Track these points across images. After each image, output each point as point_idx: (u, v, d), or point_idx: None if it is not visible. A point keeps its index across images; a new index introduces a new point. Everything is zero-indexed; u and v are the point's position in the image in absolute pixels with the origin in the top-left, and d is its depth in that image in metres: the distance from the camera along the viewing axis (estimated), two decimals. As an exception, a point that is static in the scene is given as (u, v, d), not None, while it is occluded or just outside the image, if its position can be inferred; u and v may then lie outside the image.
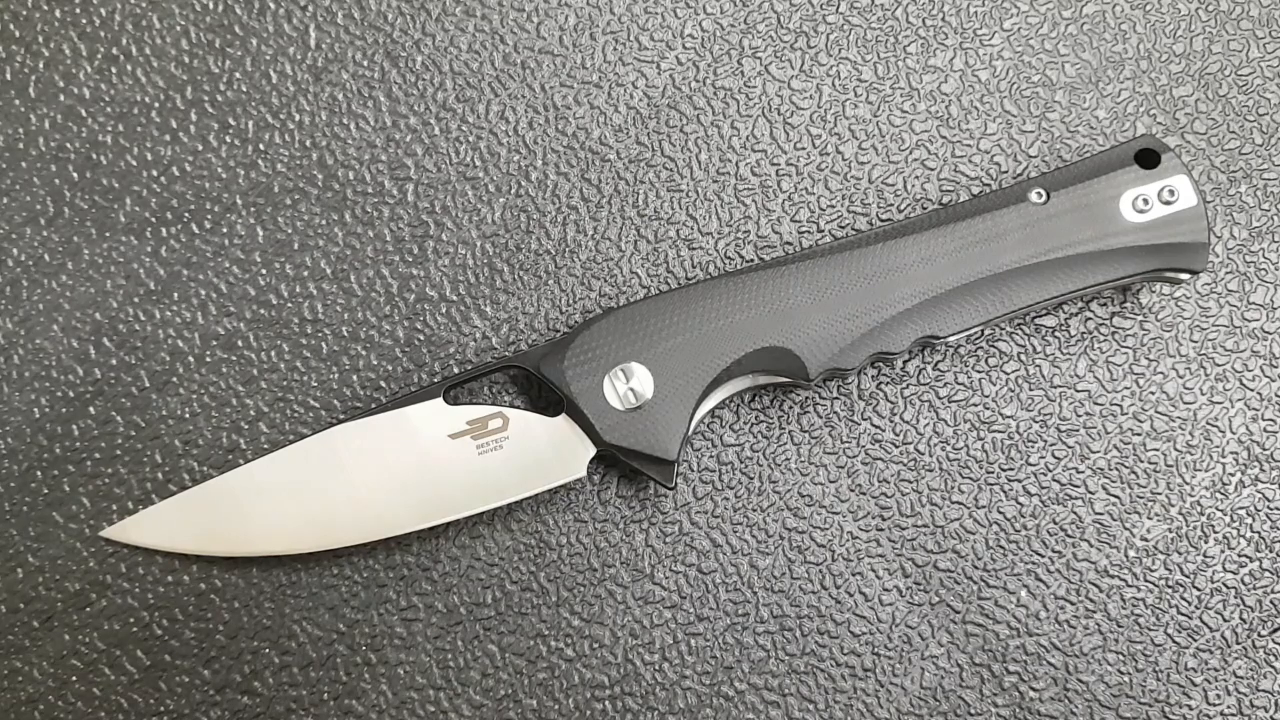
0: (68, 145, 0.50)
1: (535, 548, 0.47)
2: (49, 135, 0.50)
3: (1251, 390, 0.49)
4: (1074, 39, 0.51)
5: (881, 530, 0.48)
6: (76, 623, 0.47)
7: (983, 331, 0.49)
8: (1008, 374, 0.49)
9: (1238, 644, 0.47)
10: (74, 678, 0.46)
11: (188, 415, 0.48)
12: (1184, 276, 0.47)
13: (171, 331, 0.49)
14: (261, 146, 0.50)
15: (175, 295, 0.49)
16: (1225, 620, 0.47)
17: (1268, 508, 0.48)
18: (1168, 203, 0.46)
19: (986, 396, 0.49)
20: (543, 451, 0.45)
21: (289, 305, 0.49)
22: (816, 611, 0.47)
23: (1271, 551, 0.48)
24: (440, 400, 0.46)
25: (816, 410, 0.48)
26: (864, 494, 0.48)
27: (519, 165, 0.50)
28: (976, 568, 0.48)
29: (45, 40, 0.50)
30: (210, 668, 0.47)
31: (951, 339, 0.46)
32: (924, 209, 0.50)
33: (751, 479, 0.48)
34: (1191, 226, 0.46)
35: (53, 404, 0.48)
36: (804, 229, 0.50)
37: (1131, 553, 0.48)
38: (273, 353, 0.49)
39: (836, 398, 0.48)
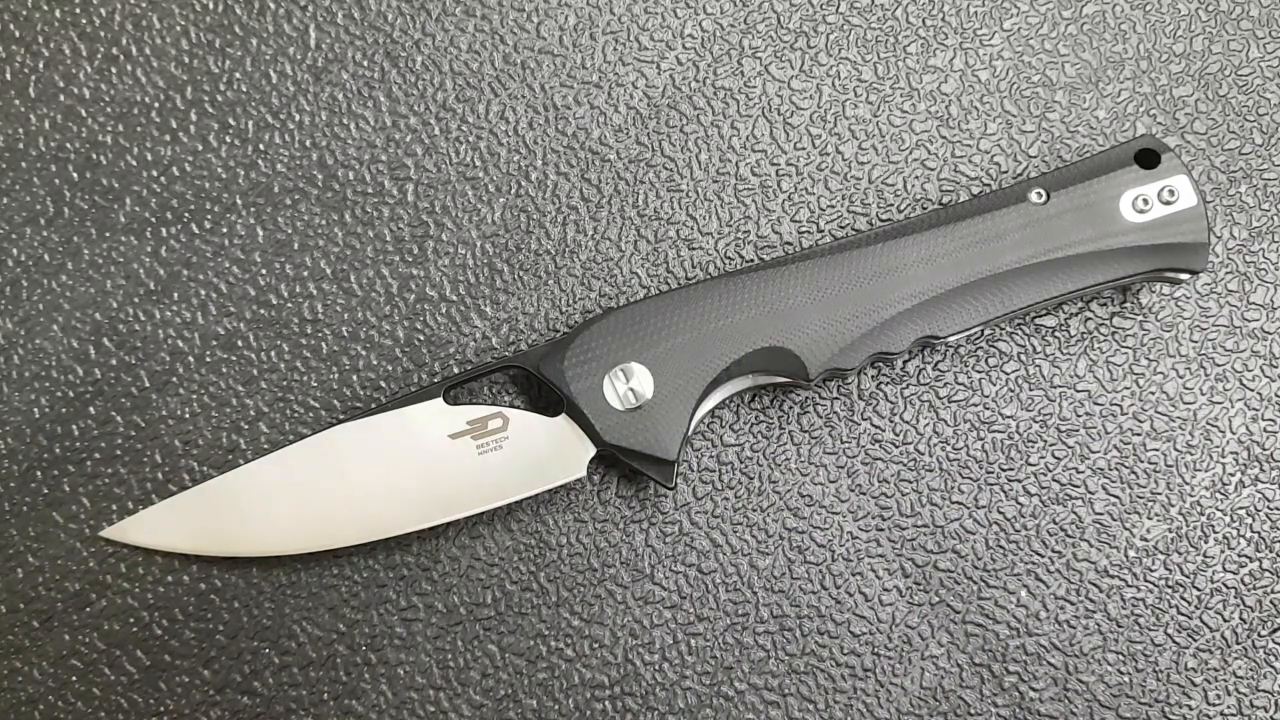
0: (68, 145, 0.50)
1: (535, 548, 0.47)
2: (49, 135, 0.50)
3: (1251, 390, 0.49)
4: (1074, 39, 0.51)
5: (881, 530, 0.48)
6: (76, 623, 0.47)
7: (983, 331, 0.49)
8: (1008, 374, 0.49)
9: (1238, 644, 0.47)
10: (74, 678, 0.46)
11: (188, 415, 0.48)
12: (1184, 276, 0.47)
13: (171, 331, 0.49)
14: (261, 146, 0.50)
15: (175, 295, 0.49)
16: (1225, 620, 0.47)
17: (1268, 508, 0.48)
18: (1168, 203, 0.46)
19: (986, 396, 0.48)
20: (543, 451, 0.45)
21: (289, 305, 0.49)
22: (816, 611, 0.47)
23: (1271, 551, 0.48)
24: (440, 400, 0.46)
25: (816, 410, 0.48)
26: (864, 494, 0.48)
27: (519, 165, 0.50)
28: (976, 568, 0.48)
29: (45, 40, 0.50)
30: (210, 668, 0.47)
31: (951, 339, 0.46)
32: (924, 209, 0.50)
33: (751, 479, 0.48)
34: (1191, 226, 0.46)
35: (53, 404, 0.48)
36: (804, 229, 0.50)
37: (1131, 553, 0.48)
38: (273, 353, 0.49)
39: (836, 398, 0.48)
